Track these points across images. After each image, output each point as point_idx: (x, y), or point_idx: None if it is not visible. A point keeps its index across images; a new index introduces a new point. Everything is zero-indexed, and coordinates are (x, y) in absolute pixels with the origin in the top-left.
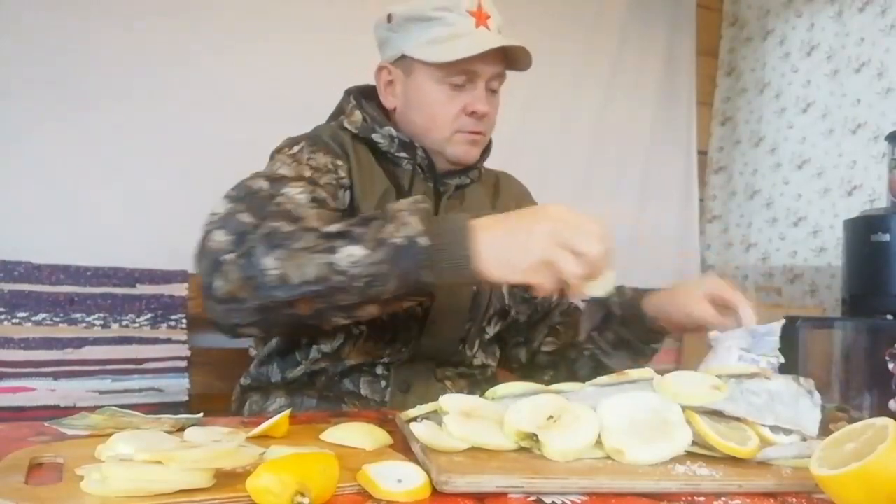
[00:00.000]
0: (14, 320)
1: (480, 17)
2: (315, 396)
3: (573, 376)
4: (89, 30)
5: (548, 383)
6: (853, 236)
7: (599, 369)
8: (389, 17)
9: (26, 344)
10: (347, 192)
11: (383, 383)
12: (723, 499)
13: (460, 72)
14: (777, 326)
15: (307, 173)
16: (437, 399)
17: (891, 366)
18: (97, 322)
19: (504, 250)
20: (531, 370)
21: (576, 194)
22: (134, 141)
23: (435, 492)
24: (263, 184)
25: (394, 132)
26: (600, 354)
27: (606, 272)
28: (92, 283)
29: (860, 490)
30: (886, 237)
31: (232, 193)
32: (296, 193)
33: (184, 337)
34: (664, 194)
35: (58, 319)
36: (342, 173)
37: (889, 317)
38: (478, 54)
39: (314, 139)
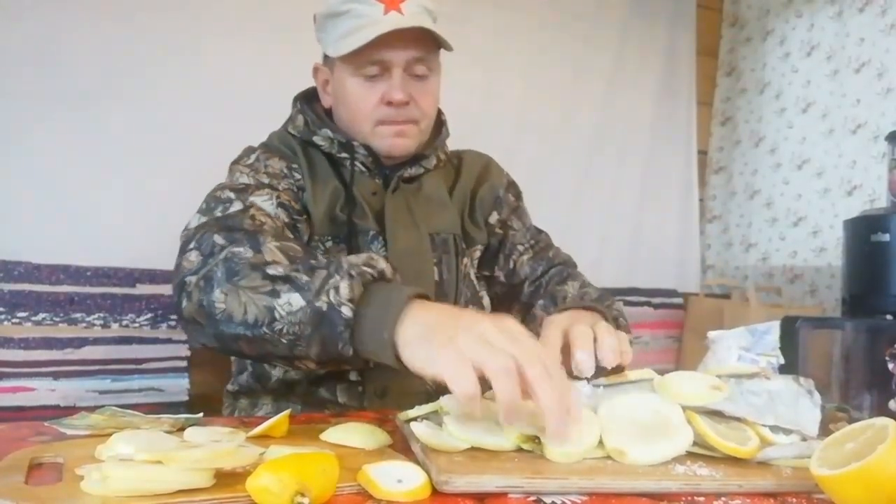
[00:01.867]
0: (14, 320)
1: (391, 2)
2: (299, 402)
3: None
4: (90, 29)
5: None
6: (853, 236)
7: None
8: (315, 18)
9: (26, 344)
10: (304, 194)
11: (359, 388)
12: (723, 499)
13: (369, 62)
14: (776, 325)
15: (265, 180)
16: (418, 398)
17: (891, 366)
18: (97, 322)
19: (426, 342)
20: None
21: (575, 194)
22: (134, 141)
23: (435, 492)
24: (230, 194)
25: (330, 134)
26: None
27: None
28: (92, 283)
29: (860, 490)
30: (886, 237)
31: (203, 207)
32: (262, 201)
33: (184, 337)
34: (664, 194)
35: (58, 319)
36: (298, 176)
37: (889, 317)
38: (387, 41)
39: (267, 147)
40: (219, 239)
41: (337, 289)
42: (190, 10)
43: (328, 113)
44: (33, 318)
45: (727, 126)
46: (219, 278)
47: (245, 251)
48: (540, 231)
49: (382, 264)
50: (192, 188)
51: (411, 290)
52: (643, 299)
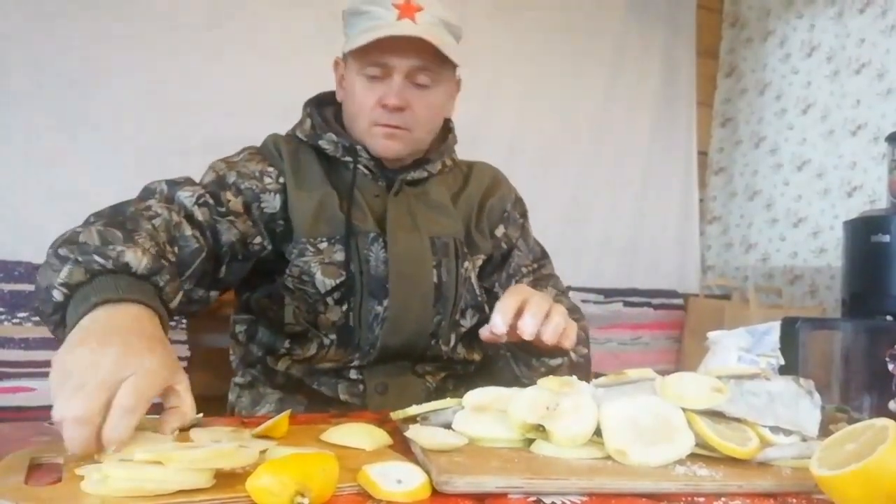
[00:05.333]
0: (14, 320)
1: (407, 10)
2: (305, 399)
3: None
4: (90, 29)
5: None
6: (853, 237)
7: (514, 377)
8: (343, 14)
9: (26, 344)
10: (278, 196)
11: (360, 387)
12: (723, 499)
13: (373, 63)
14: (776, 326)
15: (231, 178)
16: (419, 394)
17: (891, 366)
18: None
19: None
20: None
21: (575, 195)
22: (134, 141)
23: (435, 492)
24: (163, 186)
25: (335, 138)
26: (511, 359)
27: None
28: None
29: (860, 490)
30: (886, 238)
31: (140, 192)
32: (184, 196)
33: (184, 337)
34: (664, 195)
35: None
36: (269, 180)
37: (889, 317)
38: (393, 46)
39: (257, 148)
40: (91, 216)
41: (61, 272)
42: (191, 12)
43: (337, 115)
44: (33, 318)
45: (727, 127)
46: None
47: (74, 230)
48: (544, 254)
49: (128, 257)
50: None
51: (109, 295)
52: (643, 300)
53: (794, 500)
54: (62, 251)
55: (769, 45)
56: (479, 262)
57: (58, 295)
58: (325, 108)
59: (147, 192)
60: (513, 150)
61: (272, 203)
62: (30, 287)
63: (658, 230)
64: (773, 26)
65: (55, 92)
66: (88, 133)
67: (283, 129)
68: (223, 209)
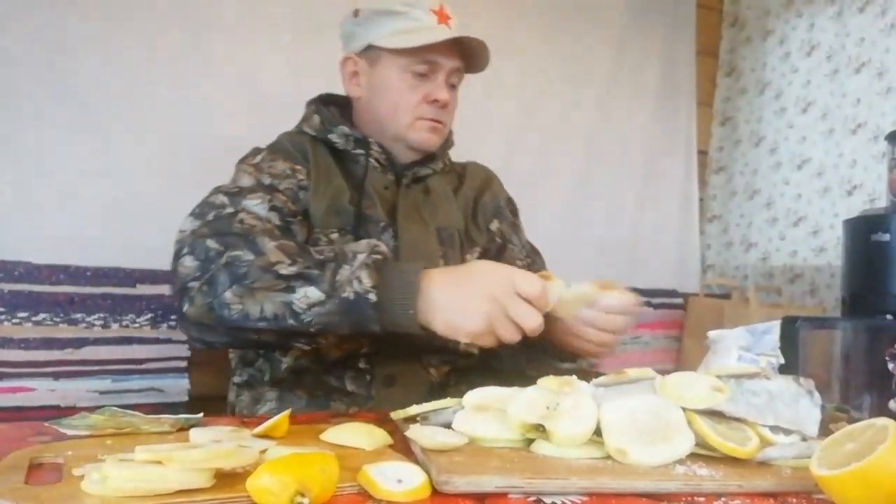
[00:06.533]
0: (14, 320)
1: (442, 17)
2: (304, 396)
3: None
4: (89, 29)
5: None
6: (853, 236)
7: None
8: (356, 13)
9: (26, 344)
10: (307, 192)
11: (367, 377)
12: (723, 499)
13: (423, 61)
14: (776, 325)
15: (267, 181)
16: (424, 387)
17: (891, 366)
18: (97, 322)
19: (450, 313)
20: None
21: (575, 195)
22: (134, 141)
23: (435, 492)
24: (224, 199)
25: (347, 130)
26: (523, 355)
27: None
28: (92, 283)
29: (860, 490)
30: (886, 237)
31: (196, 211)
32: (254, 205)
33: (184, 337)
34: (664, 194)
35: (58, 319)
36: (301, 176)
37: (889, 317)
38: (439, 48)
39: (275, 147)
40: (212, 244)
41: (360, 279)
42: (190, 13)
43: (342, 113)
44: (33, 319)
45: (727, 126)
46: (223, 282)
47: (245, 254)
48: (535, 251)
49: (384, 247)
50: (193, 188)
51: (416, 268)
52: (643, 299)
53: (794, 500)
54: (283, 271)
55: (769, 44)
56: (476, 255)
57: (373, 297)
58: (330, 105)
59: (209, 206)
60: (512, 149)
61: (305, 200)
62: (29, 287)
63: (658, 229)
64: (773, 25)
65: (54, 92)
66: (89, 134)
67: (289, 128)
68: (286, 210)
